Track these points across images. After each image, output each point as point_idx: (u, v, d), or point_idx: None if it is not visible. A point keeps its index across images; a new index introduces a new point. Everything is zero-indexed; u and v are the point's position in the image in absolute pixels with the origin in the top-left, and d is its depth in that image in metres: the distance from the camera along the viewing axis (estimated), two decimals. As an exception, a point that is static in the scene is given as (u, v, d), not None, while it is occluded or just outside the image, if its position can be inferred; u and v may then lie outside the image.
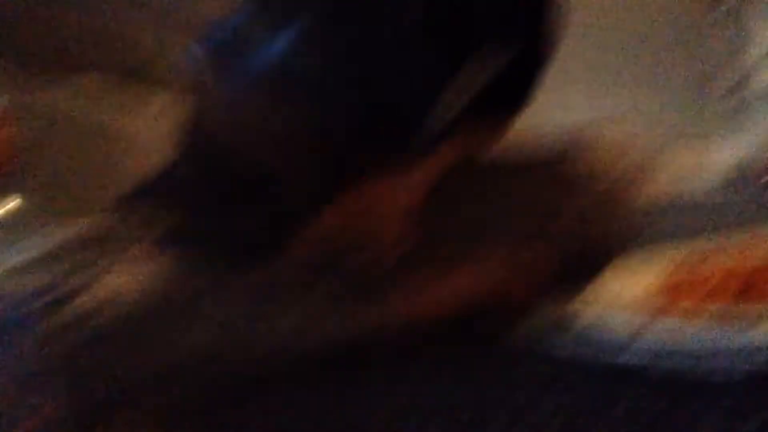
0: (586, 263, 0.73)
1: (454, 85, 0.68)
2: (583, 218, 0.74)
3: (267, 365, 0.60)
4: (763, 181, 2.70)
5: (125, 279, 0.62)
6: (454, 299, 0.66)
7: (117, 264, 0.63)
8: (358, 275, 0.65)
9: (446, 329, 0.63)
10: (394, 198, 0.67)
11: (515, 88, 0.78)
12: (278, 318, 0.62)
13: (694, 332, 0.43)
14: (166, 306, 0.61)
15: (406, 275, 0.66)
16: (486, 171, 0.77)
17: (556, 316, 0.57)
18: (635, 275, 0.61)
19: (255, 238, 0.67)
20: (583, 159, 0.76)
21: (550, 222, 0.73)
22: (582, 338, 0.49)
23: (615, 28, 3.19)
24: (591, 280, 0.60)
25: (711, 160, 3.18)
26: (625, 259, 0.73)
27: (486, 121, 0.83)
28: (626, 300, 0.55)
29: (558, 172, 0.76)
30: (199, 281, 0.62)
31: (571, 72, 2.88)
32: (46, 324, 0.59)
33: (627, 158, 0.77)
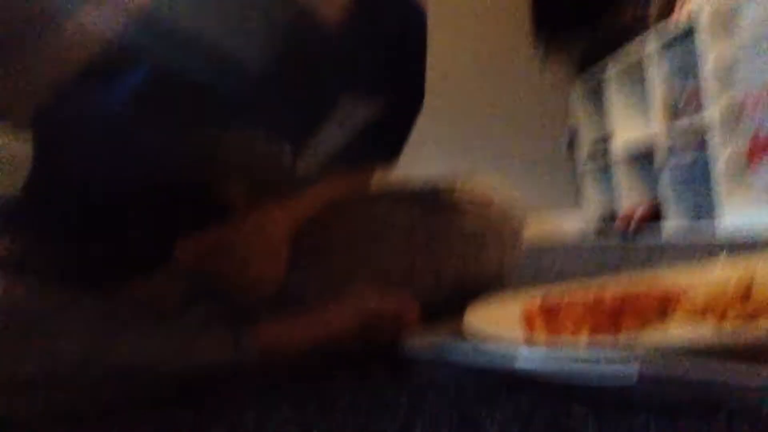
0: (460, 296, 0.77)
1: (321, 132, 0.70)
2: (451, 259, 0.77)
3: (128, 383, 0.59)
4: (631, 228, 2.93)
5: None
6: (326, 332, 0.67)
7: None
8: (233, 303, 0.65)
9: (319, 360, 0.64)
10: (279, 220, 0.67)
11: (386, 135, 0.81)
12: (145, 338, 0.61)
13: (574, 347, 0.46)
14: (22, 318, 0.58)
15: (281, 308, 0.67)
16: (358, 212, 0.79)
17: (450, 330, 0.59)
18: (510, 302, 0.64)
19: (112, 263, 0.66)
20: (452, 204, 0.80)
21: (417, 264, 0.76)
22: (475, 348, 0.50)
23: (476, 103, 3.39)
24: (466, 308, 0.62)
25: (561, 229, 3.41)
26: (498, 292, 0.77)
27: (359, 165, 0.86)
28: (505, 321, 0.58)
29: (428, 216, 0.79)
30: (53, 298, 0.60)
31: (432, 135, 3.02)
32: None
33: (493, 207, 0.81)
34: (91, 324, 0.59)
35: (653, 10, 2.87)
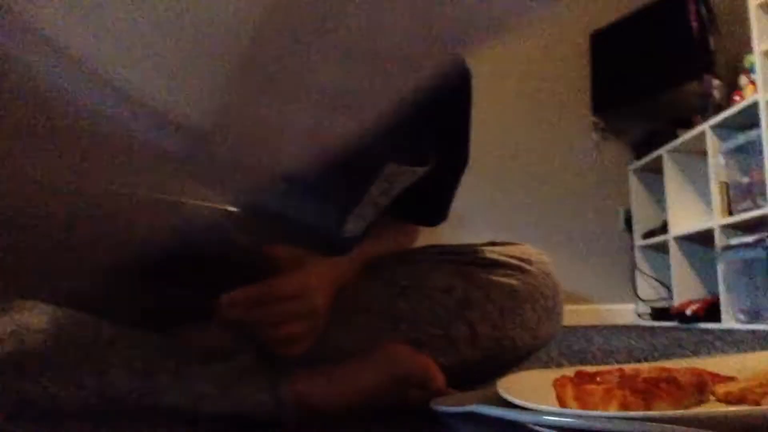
0: (496, 359, 0.77)
1: (366, 198, 0.73)
2: (488, 320, 0.78)
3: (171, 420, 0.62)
4: (683, 322, 2.83)
5: (30, 316, 0.63)
6: (357, 389, 0.69)
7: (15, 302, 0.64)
8: (273, 355, 0.67)
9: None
10: (322, 284, 0.70)
11: (431, 196, 0.83)
12: (190, 378, 0.63)
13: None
14: (76, 346, 0.62)
15: (316, 362, 0.69)
16: (397, 273, 0.81)
17: (480, 396, 0.59)
18: (543, 374, 0.64)
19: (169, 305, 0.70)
20: (491, 265, 0.81)
21: (453, 325, 0.77)
22: (501, 416, 0.51)
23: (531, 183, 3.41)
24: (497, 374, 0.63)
25: (613, 318, 3.31)
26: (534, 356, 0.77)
27: (403, 225, 0.88)
28: (536, 390, 0.58)
29: (466, 277, 0.80)
30: (105, 333, 0.63)
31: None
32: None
33: (531, 270, 0.82)
34: (141, 360, 0.63)
35: (714, 96, 2.88)
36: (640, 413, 0.46)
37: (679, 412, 0.44)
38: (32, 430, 0.58)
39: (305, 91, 0.40)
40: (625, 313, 3.40)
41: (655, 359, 1.34)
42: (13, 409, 0.57)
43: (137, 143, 0.45)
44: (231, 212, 0.59)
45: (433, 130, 0.76)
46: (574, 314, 3.17)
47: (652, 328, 2.77)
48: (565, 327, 2.68)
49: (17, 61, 0.34)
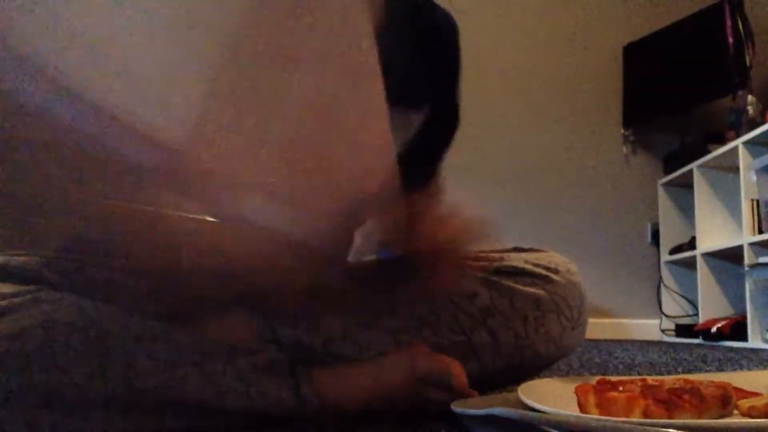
0: (518, 367, 0.77)
1: None
2: (511, 329, 0.78)
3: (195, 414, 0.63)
4: (708, 340, 2.78)
5: (58, 308, 0.63)
6: (378, 385, 0.69)
7: (44, 294, 0.65)
8: (296, 351, 0.68)
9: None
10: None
11: (419, 156, 0.81)
12: (214, 373, 0.64)
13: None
14: (103, 338, 0.63)
15: (337, 359, 0.70)
16: (422, 276, 0.81)
17: (501, 400, 0.60)
18: (565, 381, 0.64)
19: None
20: (516, 272, 0.80)
21: (475, 331, 0.77)
22: (520, 418, 0.52)
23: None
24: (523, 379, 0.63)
25: (637, 334, 3.26)
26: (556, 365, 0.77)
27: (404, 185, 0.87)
28: (557, 396, 0.59)
29: (491, 284, 0.80)
30: (135, 326, 0.64)
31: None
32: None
33: (557, 279, 0.82)
34: (166, 353, 0.64)
35: (748, 112, 2.83)
36: (663, 421, 0.46)
37: (701, 422, 0.44)
38: (59, 421, 0.59)
39: (283, 102, 0.40)
40: (649, 328, 3.35)
41: (678, 374, 1.33)
42: (40, 401, 0.58)
43: (117, 157, 0.46)
44: (213, 222, 0.60)
45: (425, 78, 0.75)
46: (597, 328, 3.14)
47: (675, 344, 2.73)
48: (588, 340, 2.65)
49: None
